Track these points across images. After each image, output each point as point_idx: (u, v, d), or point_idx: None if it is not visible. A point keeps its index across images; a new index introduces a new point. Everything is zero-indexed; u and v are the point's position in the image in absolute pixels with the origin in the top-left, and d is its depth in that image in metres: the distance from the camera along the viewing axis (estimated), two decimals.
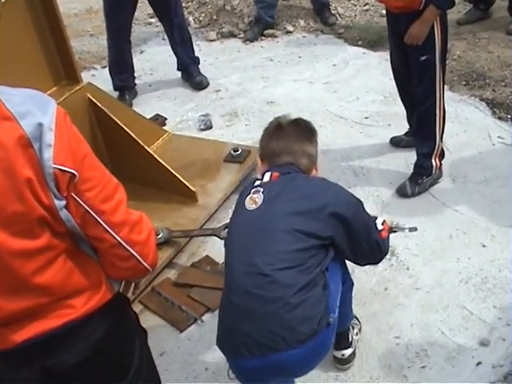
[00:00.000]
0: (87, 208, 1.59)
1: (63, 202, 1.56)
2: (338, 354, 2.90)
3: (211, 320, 3.25)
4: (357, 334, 3.00)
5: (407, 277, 3.36)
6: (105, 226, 1.64)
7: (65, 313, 1.68)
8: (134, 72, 5.39)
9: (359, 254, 2.58)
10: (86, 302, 1.71)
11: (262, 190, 2.45)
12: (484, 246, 3.51)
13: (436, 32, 3.46)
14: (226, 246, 2.56)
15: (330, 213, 2.37)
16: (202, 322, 3.26)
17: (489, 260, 3.40)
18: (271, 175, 2.51)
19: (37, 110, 1.50)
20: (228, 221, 3.67)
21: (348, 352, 2.91)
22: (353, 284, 2.82)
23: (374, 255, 2.65)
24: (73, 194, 1.56)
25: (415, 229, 3.04)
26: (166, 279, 3.52)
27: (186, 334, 3.23)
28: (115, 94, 5.17)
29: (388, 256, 3.00)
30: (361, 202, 2.58)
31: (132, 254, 1.71)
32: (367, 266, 3.15)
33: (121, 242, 1.67)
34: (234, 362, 2.43)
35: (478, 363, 2.89)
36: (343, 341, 2.87)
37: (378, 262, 2.78)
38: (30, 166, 1.48)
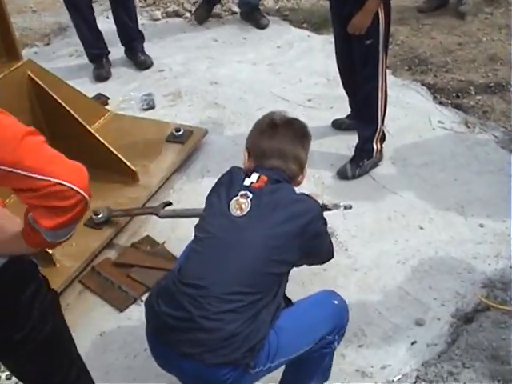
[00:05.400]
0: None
1: None
2: None
3: None
4: None
5: (346, 258, 3.41)
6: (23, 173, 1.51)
7: None
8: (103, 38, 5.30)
9: (313, 263, 2.72)
10: None
11: (250, 196, 2.31)
12: (422, 228, 3.57)
13: (380, 17, 3.49)
14: (196, 236, 2.39)
15: (306, 238, 2.31)
16: (142, 301, 3.24)
17: (426, 242, 3.48)
18: (259, 178, 2.36)
19: None
20: (168, 199, 3.68)
21: None
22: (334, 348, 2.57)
23: (323, 260, 2.68)
24: None
25: (350, 206, 3.03)
26: (106, 259, 3.50)
27: (125, 313, 3.23)
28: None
29: None
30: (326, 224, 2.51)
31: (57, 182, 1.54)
32: None
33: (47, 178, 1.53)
34: (156, 347, 2.33)
35: (413, 342, 2.96)
36: None
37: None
38: None
